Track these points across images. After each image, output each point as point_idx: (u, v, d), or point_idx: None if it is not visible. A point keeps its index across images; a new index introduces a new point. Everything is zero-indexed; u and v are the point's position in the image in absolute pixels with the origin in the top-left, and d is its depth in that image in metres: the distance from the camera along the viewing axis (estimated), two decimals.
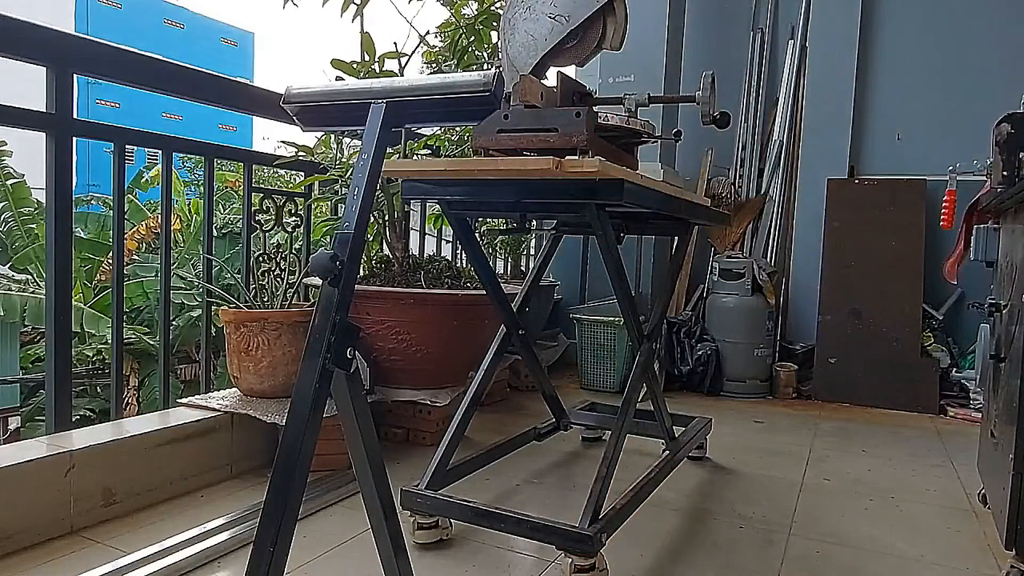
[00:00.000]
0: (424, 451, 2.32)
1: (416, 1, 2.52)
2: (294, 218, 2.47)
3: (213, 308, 2.41)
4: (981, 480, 2.02)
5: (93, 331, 6.63)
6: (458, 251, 3.51)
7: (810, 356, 3.59)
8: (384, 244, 2.56)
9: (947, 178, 2.58)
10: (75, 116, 1.80)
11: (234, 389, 2.19)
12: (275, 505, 0.90)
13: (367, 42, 2.38)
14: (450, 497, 1.59)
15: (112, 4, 18.96)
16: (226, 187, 7.95)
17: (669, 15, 3.89)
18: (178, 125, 15.88)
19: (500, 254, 3.87)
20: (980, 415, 2.25)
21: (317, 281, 1.97)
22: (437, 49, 2.69)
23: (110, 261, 6.45)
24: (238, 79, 2.51)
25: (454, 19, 2.58)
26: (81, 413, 6.55)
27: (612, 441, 1.61)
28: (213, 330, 2.51)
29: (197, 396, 2.13)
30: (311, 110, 1.07)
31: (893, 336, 3.37)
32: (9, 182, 7.18)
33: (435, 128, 2.82)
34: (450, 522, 1.66)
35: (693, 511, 1.94)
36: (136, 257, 7.58)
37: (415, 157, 2.62)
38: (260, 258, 2.27)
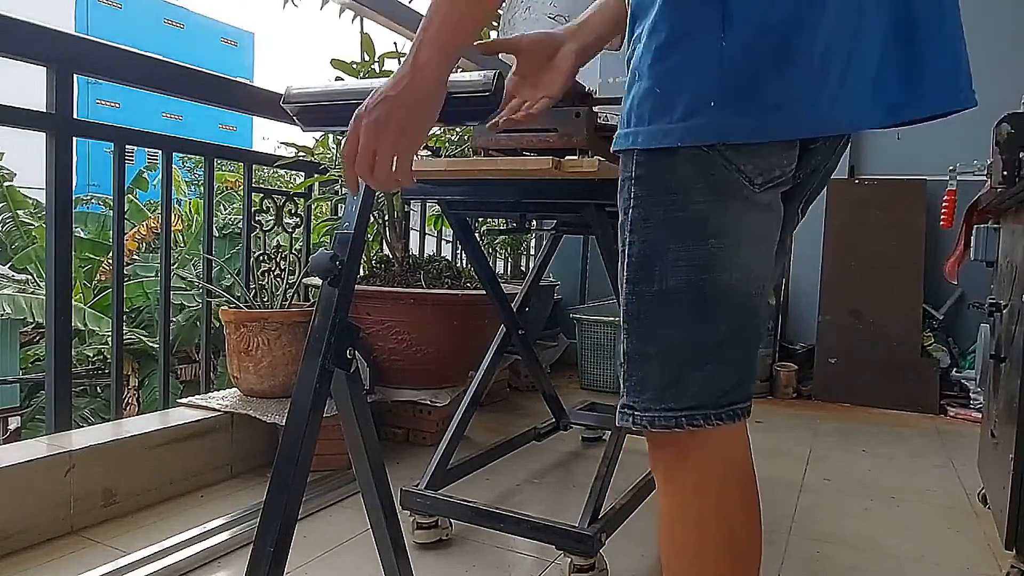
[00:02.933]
0: (424, 451, 2.32)
1: (416, 1, 2.53)
2: (294, 218, 2.47)
3: (213, 308, 2.41)
4: (981, 480, 2.02)
5: (96, 329, 6.62)
6: (458, 251, 3.51)
7: (810, 356, 3.59)
8: (384, 244, 2.55)
9: (947, 178, 2.58)
10: (75, 116, 1.80)
11: (234, 389, 2.19)
12: (275, 505, 0.90)
13: (367, 42, 2.38)
14: (450, 497, 1.59)
15: (112, 4, 18.99)
16: (226, 187, 7.95)
17: None
18: (178, 125, 15.91)
19: (500, 254, 3.86)
20: (980, 415, 2.25)
21: (317, 281, 1.97)
22: None
23: (110, 261, 6.44)
24: (238, 79, 2.51)
25: None
26: (81, 414, 6.55)
27: (612, 441, 1.61)
28: (213, 330, 2.51)
29: (197, 396, 2.12)
30: (311, 110, 1.06)
31: (893, 336, 3.36)
32: (7, 183, 7.19)
33: (435, 128, 2.81)
34: (450, 522, 1.66)
35: None
36: (136, 257, 7.58)
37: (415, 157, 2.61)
38: (260, 258, 2.27)
